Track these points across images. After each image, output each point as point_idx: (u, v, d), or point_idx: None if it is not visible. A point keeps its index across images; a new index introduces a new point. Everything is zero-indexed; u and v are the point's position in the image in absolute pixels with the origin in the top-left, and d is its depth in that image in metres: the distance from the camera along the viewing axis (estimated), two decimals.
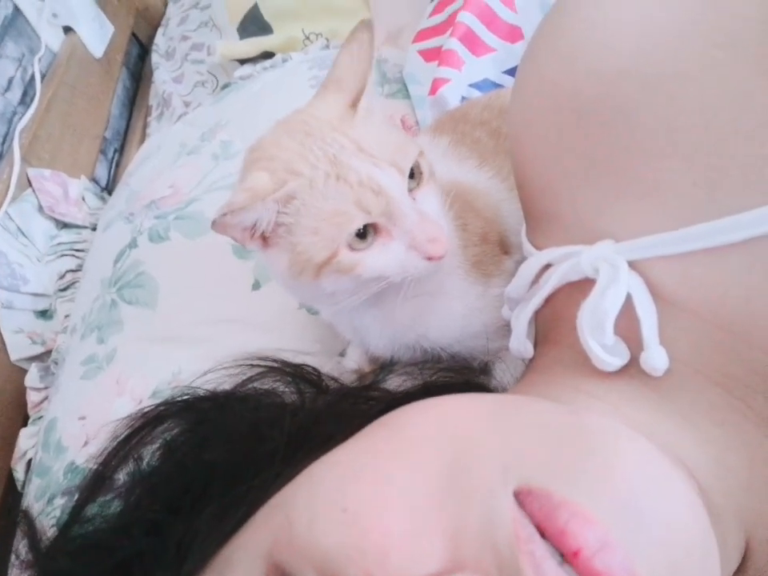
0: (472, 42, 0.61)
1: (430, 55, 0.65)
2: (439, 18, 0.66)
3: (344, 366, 0.55)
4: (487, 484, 0.24)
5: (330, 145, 0.35)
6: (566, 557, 0.21)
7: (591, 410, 0.29)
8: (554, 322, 0.34)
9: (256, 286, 0.56)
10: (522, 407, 0.29)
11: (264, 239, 0.37)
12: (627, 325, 0.28)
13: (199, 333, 0.55)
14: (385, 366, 0.55)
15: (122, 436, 0.41)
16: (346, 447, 0.30)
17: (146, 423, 0.41)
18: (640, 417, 0.29)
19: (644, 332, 0.28)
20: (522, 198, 0.36)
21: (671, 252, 0.27)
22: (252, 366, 0.45)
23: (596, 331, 0.29)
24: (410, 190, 0.36)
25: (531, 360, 0.37)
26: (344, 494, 0.25)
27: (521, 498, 0.23)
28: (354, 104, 0.38)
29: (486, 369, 0.50)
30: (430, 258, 0.36)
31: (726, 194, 0.25)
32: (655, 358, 0.28)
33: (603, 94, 0.27)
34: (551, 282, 0.33)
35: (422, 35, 0.67)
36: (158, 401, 0.43)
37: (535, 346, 0.37)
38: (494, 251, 0.47)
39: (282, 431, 0.36)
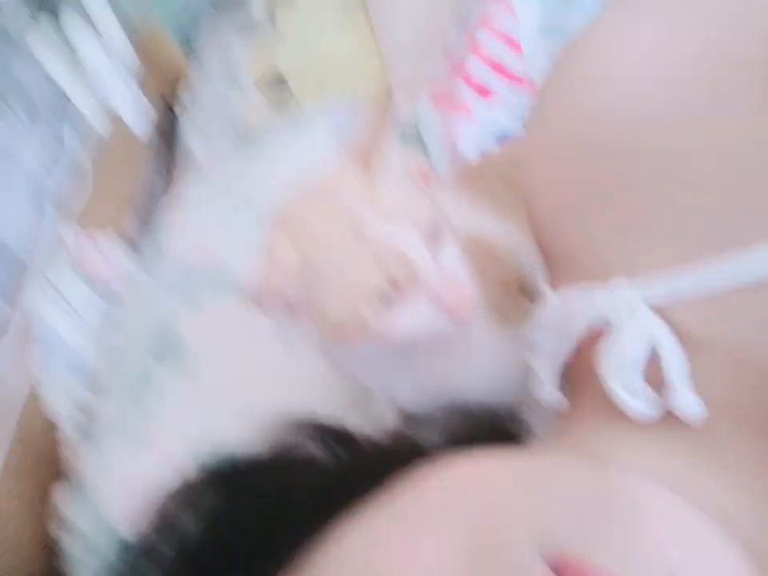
0: (482, 90, 0.63)
1: (443, 106, 0.67)
2: (451, 67, 0.67)
3: (378, 422, 0.55)
4: (518, 556, 0.23)
5: (347, 209, 0.36)
6: None
7: (624, 466, 0.29)
8: (580, 367, 0.34)
9: (290, 346, 0.57)
10: (548, 468, 0.29)
11: (292, 306, 0.38)
12: (654, 370, 0.28)
13: (233, 395, 0.56)
14: (418, 420, 0.55)
15: (165, 507, 0.41)
16: (371, 513, 0.29)
17: (182, 491, 0.42)
18: (678, 470, 0.28)
19: (673, 378, 0.27)
20: (538, 239, 0.37)
21: (696, 293, 0.26)
22: (287, 429, 0.46)
23: (621, 378, 0.28)
24: (429, 246, 0.37)
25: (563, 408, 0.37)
26: (368, 561, 0.26)
27: (555, 568, 0.23)
28: (369, 167, 0.39)
29: (516, 416, 0.49)
30: (453, 314, 0.37)
31: (748, 229, 0.25)
32: (690, 406, 0.27)
33: (607, 138, 0.28)
34: (574, 327, 0.32)
35: (435, 86, 0.69)
36: (194, 465, 0.43)
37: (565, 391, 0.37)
38: (515, 297, 0.47)
39: (311, 492, 0.36)
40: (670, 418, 0.28)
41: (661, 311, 0.28)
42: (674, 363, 0.27)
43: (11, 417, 0.63)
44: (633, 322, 0.28)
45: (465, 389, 0.46)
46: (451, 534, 0.25)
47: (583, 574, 0.23)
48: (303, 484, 0.38)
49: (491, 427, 0.46)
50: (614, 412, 0.30)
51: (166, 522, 0.40)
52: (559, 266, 0.35)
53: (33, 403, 0.67)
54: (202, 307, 0.61)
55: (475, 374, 0.46)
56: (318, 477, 0.39)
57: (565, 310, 0.34)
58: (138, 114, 1.05)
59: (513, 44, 0.61)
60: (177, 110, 1.18)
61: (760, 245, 0.24)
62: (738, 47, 0.25)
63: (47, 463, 0.66)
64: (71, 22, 0.96)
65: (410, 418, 0.54)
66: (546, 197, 0.34)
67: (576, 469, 0.29)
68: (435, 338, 0.38)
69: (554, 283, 0.36)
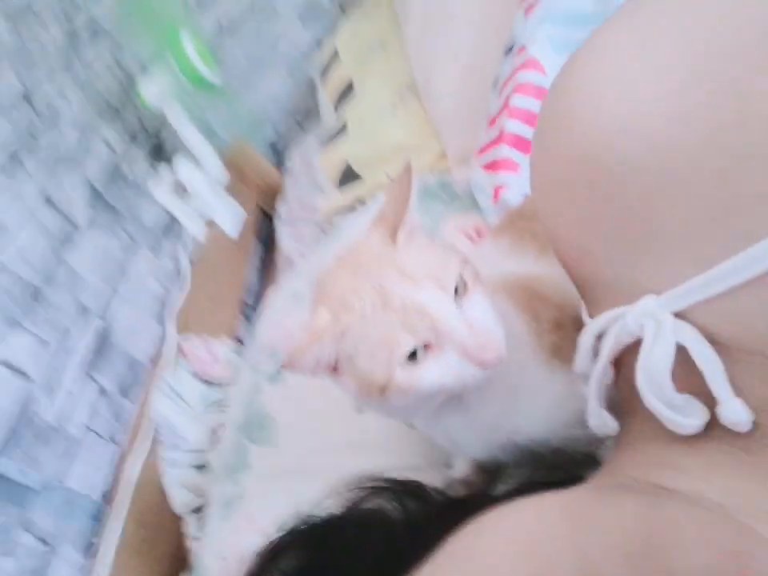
0: (522, 144, 0.64)
1: (490, 166, 0.69)
2: (493, 131, 0.70)
3: (451, 477, 0.55)
4: None
5: (376, 275, 0.39)
6: None
7: (673, 486, 0.28)
8: (627, 391, 0.33)
9: (360, 409, 0.60)
10: (595, 511, 0.28)
11: (333, 368, 0.41)
12: (695, 381, 0.27)
13: (315, 463, 0.59)
14: (494, 473, 0.54)
15: (252, 571, 0.44)
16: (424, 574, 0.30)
17: (270, 556, 0.44)
18: (733, 484, 0.27)
19: (710, 384, 0.26)
20: (567, 271, 0.36)
21: (712, 294, 0.26)
22: (361, 488, 0.47)
23: (657, 391, 0.28)
24: (457, 301, 0.38)
25: (618, 435, 0.35)
26: None
27: None
28: (394, 234, 0.42)
29: (592, 458, 0.47)
30: (483, 365, 0.37)
31: (749, 224, 0.24)
32: (733, 412, 0.26)
33: (608, 157, 0.28)
34: (605, 350, 0.32)
35: (483, 150, 0.72)
36: (278, 528, 0.46)
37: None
38: (571, 335, 0.46)
39: (383, 542, 0.37)
40: (722, 432, 0.27)
41: (687, 317, 0.27)
42: (708, 366, 0.26)
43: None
44: (659, 332, 0.27)
45: (525, 432, 0.45)
46: None
47: None
48: (375, 536, 0.39)
49: (558, 468, 0.45)
50: (660, 431, 0.29)
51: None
52: (592, 296, 0.34)
53: (147, 486, 0.74)
54: (284, 382, 0.66)
55: (533, 416, 0.45)
56: (389, 528, 0.40)
57: (596, 334, 0.33)
58: (235, 224, 1.18)
59: (544, 94, 0.63)
60: (274, 218, 1.32)
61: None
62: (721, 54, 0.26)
63: (161, 541, 0.72)
64: (179, 162, 1.13)
65: (481, 468, 0.53)
66: (562, 228, 0.34)
67: (621, 503, 0.28)
68: (463, 387, 0.39)
69: (592, 313, 0.35)
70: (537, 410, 0.45)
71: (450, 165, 0.86)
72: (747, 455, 0.27)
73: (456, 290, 0.38)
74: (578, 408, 0.44)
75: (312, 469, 0.57)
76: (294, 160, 1.39)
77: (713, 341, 0.26)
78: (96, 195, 0.95)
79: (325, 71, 1.25)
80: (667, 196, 0.26)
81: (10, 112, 0.87)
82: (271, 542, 0.45)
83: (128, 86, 1.20)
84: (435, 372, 0.37)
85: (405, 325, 0.36)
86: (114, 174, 1.02)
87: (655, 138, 0.26)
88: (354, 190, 0.97)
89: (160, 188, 1.11)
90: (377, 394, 0.39)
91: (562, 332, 0.46)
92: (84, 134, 1.00)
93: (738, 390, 0.26)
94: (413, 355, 0.37)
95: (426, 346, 0.38)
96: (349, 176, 1.00)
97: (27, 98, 0.92)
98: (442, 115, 0.86)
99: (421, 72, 0.91)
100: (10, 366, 0.67)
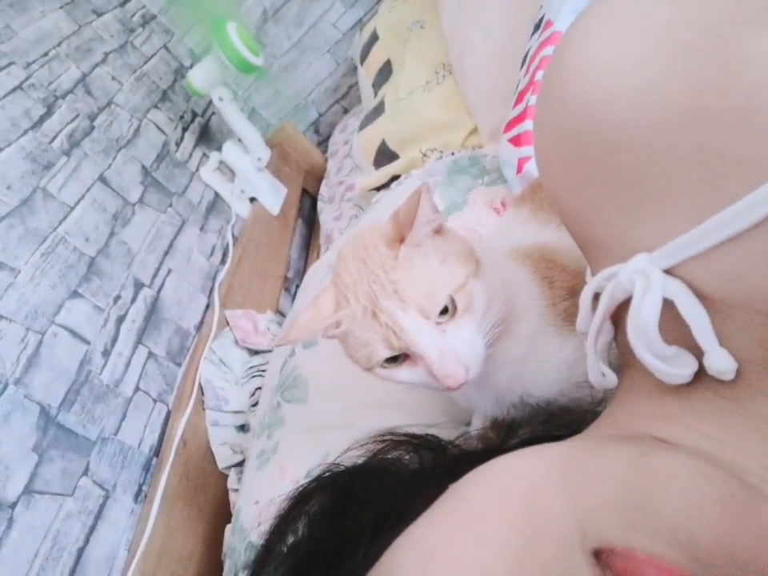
0: None
1: (517, 141, 0.70)
2: (520, 107, 0.71)
3: (469, 433, 0.57)
4: (564, 552, 0.24)
5: (374, 282, 0.41)
6: None
7: (667, 444, 0.29)
8: (624, 346, 0.34)
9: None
10: (590, 460, 0.29)
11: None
12: (683, 333, 0.28)
13: (342, 419, 0.62)
14: (508, 428, 0.56)
15: (282, 512, 0.48)
16: (424, 520, 0.31)
17: (298, 499, 0.48)
18: (720, 434, 0.28)
19: (696, 335, 0.27)
20: (571, 235, 0.38)
21: (699, 250, 0.27)
22: (383, 441, 0.50)
23: (647, 344, 0.29)
24: (442, 323, 0.41)
25: (616, 389, 0.37)
26: None
27: (603, 557, 0.24)
28: (400, 241, 0.43)
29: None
30: (446, 388, 0.41)
31: (732, 182, 0.25)
32: (718, 361, 0.27)
33: (598, 124, 0.29)
34: (601, 307, 0.33)
35: (510, 125, 0.73)
36: (309, 480, 0.50)
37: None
38: None
39: (399, 494, 0.40)
40: (711, 382, 0.28)
41: (674, 273, 0.28)
42: (694, 318, 0.27)
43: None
44: (648, 287, 0.29)
45: (536, 393, 0.47)
46: (498, 534, 0.26)
47: (630, 562, 0.23)
48: (392, 483, 0.42)
49: (567, 425, 0.46)
50: (653, 383, 0.30)
51: (283, 526, 0.47)
52: (594, 258, 0.36)
53: (192, 442, 0.80)
54: (316, 346, 0.70)
55: (545, 379, 0.47)
56: (405, 476, 0.43)
57: (594, 292, 0.35)
58: (277, 202, 1.23)
59: None
60: (317, 197, 1.36)
61: (749, 189, 0.24)
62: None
63: (205, 492, 0.78)
64: (225, 144, 1.18)
65: (496, 424, 0.55)
66: (562, 191, 0.35)
67: (614, 453, 0.29)
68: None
69: (594, 274, 0.37)
70: (549, 374, 0.47)
71: (482, 141, 0.87)
72: (732, 403, 0.28)
73: (447, 310, 0.41)
74: (586, 371, 0.46)
75: (339, 424, 0.61)
76: (336, 141, 1.42)
77: (701, 295, 0.27)
78: (147, 175, 1.01)
79: (364, 52, 1.27)
80: (655, 160, 0.27)
81: (70, 97, 0.93)
82: (300, 488, 0.49)
83: (177, 72, 1.26)
84: (410, 375, 0.42)
85: (385, 339, 0.40)
86: (164, 155, 1.09)
87: (641, 106, 0.27)
88: (389, 168, 0.99)
89: (207, 168, 1.17)
90: (369, 370, 0.42)
91: (575, 298, 0.47)
92: (136, 117, 1.06)
93: (724, 341, 0.27)
94: (392, 359, 0.41)
95: (404, 355, 0.41)
96: (385, 154, 1.02)
97: (85, 84, 0.98)
98: (475, 92, 0.87)
99: (455, 50, 0.92)
100: (71, 331, 0.74)
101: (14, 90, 0.84)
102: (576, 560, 0.24)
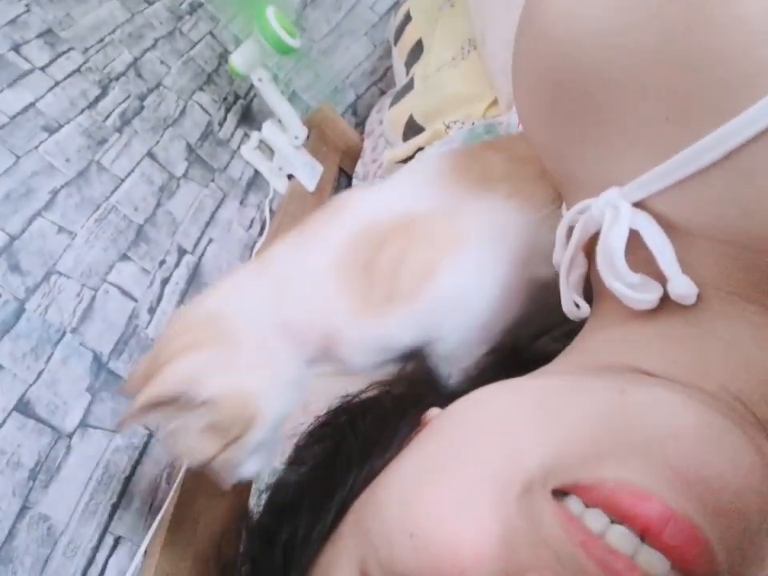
0: None
1: None
2: None
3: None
4: (528, 491, 0.25)
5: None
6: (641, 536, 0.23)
7: (642, 375, 0.29)
8: (597, 278, 0.35)
9: None
10: (568, 397, 0.30)
11: None
12: (649, 262, 0.29)
13: None
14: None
15: (299, 442, 0.49)
16: (405, 456, 0.32)
17: (312, 431, 0.49)
18: (685, 358, 0.30)
19: (661, 264, 0.28)
20: (548, 171, 0.39)
21: (666, 184, 0.28)
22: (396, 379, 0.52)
23: (614, 272, 0.30)
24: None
25: (589, 320, 0.38)
26: (407, 517, 0.27)
27: (576, 490, 0.24)
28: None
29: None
30: None
31: (697, 122, 0.27)
32: (680, 286, 0.28)
33: (573, 62, 0.30)
34: (573, 239, 0.34)
35: None
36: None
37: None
38: None
39: (384, 424, 0.40)
40: (675, 308, 0.29)
41: (643, 205, 0.30)
42: (658, 247, 0.29)
43: None
44: (616, 218, 0.30)
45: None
46: (474, 470, 0.27)
47: (602, 491, 0.23)
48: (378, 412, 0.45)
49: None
50: (622, 310, 0.31)
51: (299, 452, 0.48)
52: (569, 194, 0.37)
53: None
54: None
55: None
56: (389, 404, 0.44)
57: (567, 226, 0.36)
58: (313, 179, 1.29)
59: None
60: (353, 177, 1.41)
61: (714, 127, 0.25)
62: None
63: None
64: (265, 124, 1.25)
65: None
66: (538, 128, 0.36)
67: (593, 390, 0.30)
68: None
69: (569, 207, 0.36)
70: None
71: (500, 111, 0.90)
72: (694, 328, 0.29)
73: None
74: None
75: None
76: (372, 120, 1.46)
77: (668, 226, 0.29)
78: (191, 151, 1.09)
79: (398, 33, 1.31)
80: (626, 100, 0.29)
81: (122, 79, 1.02)
82: (316, 421, 0.50)
83: (221, 56, 1.33)
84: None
85: None
86: (208, 133, 1.16)
87: (612, 48, 0.28)
88: (415, 141, 1.03)
89: (247, 146, 1.24)
90: None
91: None
92: (182, 98, 1.14)
93: (686, 268, 0.28)
94: None
95: None
96: (412, 128, 1.06)
97: (136, 67, 1.07)
98: (495, 64, 0.90)
99: (478, 24, 0.95)
100: (120, 289, 0.82)
101: (72, 73, 0.92)
102: (537, 500, 0.24)
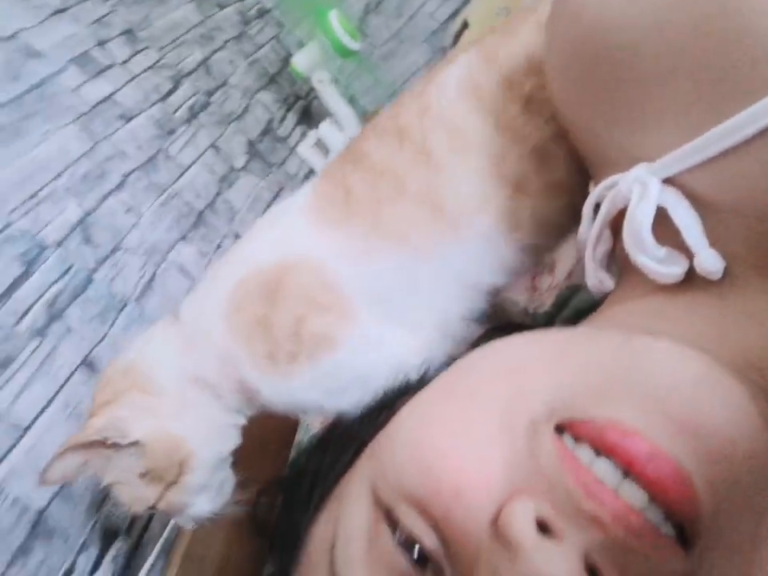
0: None
1: None
2: None
3: None
4: (531, 427, 0.26)
5: None
6: (626, 471, 0.24)
7: (654, 332, 0.30)
8: (623, 254, 0.35)
9: None
10: (574, 344, 0.31)
11: None
12: (676, 237, 0.29)
13: None
14: None
15: None
16: (427, 390, 0.33)
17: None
18: (709, 328, 0.30)
19: (687, 239, 0.29)
20: (576, 145, 0.39)
21: (696, 161, 0.28)
22: None
23: (641, 246, 0.31)
24: None
25: (613, 293, 0.38)
26: (419, 440, 0.29)
27: (569, 427, 0.25)
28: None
29: None
30: None
31: (729, 99, 0.27)
32: (706, 261, 0.29)
33: (607, 40, 0.31)
34: (600, 215, 0.35)
35: None
36: None
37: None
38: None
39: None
40: (701, 282, 0.30)
41: (672, 181, 0.30)
42: (685, 222, 0.29)
43: None
44: (644, 194, 0.30)
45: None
46: (485, 404, 0.28)
47: (594, 427, 0.24)
48: None
49: None
50: (647, 284, 0.32)
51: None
52: (597, 168, 0.37)
53: None
54: None
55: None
56: None
57: (594, 203, 0.36)
58: None
59: None
60: None
61: (747, 105, 0.26)
62: None
63: None
64: (324, 127, 1.30)
65: None
66: (571, 110, 0.36)
67: (602, 341, 0.30)
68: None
69: (597, 184, 0.36)
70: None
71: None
72: (718, 300, 0.30)
73: None
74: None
75: None
76: None
77: (696, 201, 0.29)
78: (252, 146, 1.15)
79: (455, 40, 1.34)
80: (660, 77, 0.29)
81: (193, 76, 1.09)
82: None
83: (285, 59, 1.40)
84: None
85: None
86: (268, 130, 1.22)
87: (644, 24, 0.29)
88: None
89: (305, 144, 1.30)
90: None
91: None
92: (246, 96, 1.21)
93: (714, 243, 0.29)
94: None
95: None
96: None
97: (206, 66, 1.14)
98: None
99: None
100: (179, 267, 0.88)
101: (148, 68, 1.00)
102: (540, 434, 0.25)
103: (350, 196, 0.44)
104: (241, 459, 0.50)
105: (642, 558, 0.22)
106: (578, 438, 0.25)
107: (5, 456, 0.52)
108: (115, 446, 0.43)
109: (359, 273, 0.44)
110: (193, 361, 0.46)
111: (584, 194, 0.42)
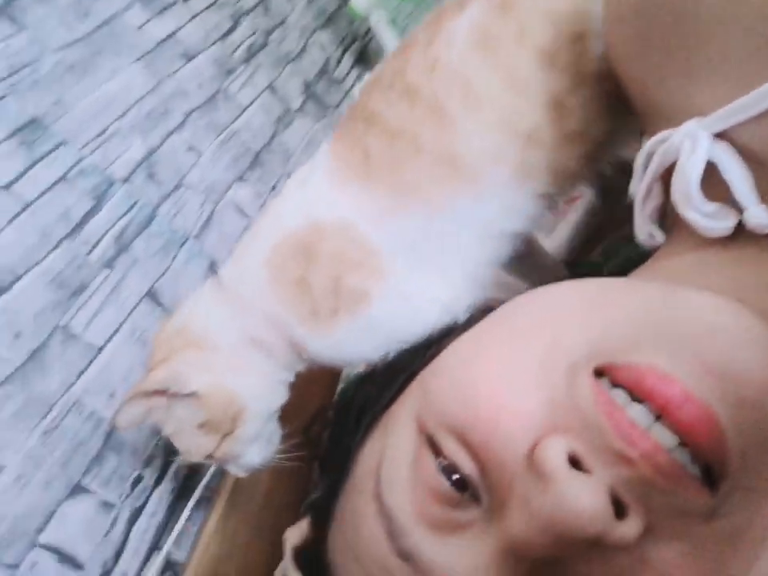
0: None
1: None
2: None
3: None
4: (570, 370, 0.27)
5: None
6: (659, 414, 0.24)
7: (698, 285, 0.30)
8: (672, 209, 0.35)
9: None
10: (616, 292, 0.31)
11: None
12: (726, 192, 0.29)
13: None
14: None
15: None
16: (471, 331, 0.35)
17: None
18: (758, 281, 0.30)
19: (737, 194, 0.29)
20: (631, 99, 0.39)
21: (749, 115, 0.29)
22: None
23: (689, 201, 0.31)
24: None
25: (663, 247, 0.39)
26: (464, 374, 0.30)
27: (609, 370, 0.26)
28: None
29: None
30: None
31: None
32: (756, 216, 0.29)
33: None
34: (651, 169, 0.35)
35: None
36: None
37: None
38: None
39: None
40: (751, 237, 0.30)
41: (724, 136, 0.30)
42: (735, 177, 0.29)
43: None
44: (694, 148, 0.30)
45: None
46: (528, 345, 0.29)
47: (633, 371, 0.25)
48: None
49: None
50: (696, 238, 0.32)
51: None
52: (651, 123, 0.37)
53: None
54: None
55: None
56: None
57: (646, 156, 0.36)
58: None
59: None
60: None
61: None
62: None
63: None
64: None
65: None
66: (627, 64, 0.36)
67: (640, 288, 0.31)
68: None
69: (650, 137, 0.36)
70: None
71: None
72: (766, 254, 0.30)
73: None
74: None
75: None
76: None
77: (749, 156, 0.29)
78: (308, 87, 1.15)
79: None
80: (719, 28, 0.29)
81: (252, 14, 1.09)
82: None
83: None
84: None
85: None
86: (324, 71, 1.22)
87: None
88: None
89: (360, 87, 1.28)
90: None
91: None
92: (303, 36, 1.20)
93: (764, 197, 0.29)
94: None
95: None
96: None
97: (264, 3, 1.13)
98: None
99: None
100: (236, 206, 0.90)
101: (209, 6, 1.00)
102: (580, 376, 0.26)
103: (368, 157, 0.45)
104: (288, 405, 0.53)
105: (667, 495, 0.24)
106: (614, 383, 0.26)
107: (82, 373, 0.57)
108: (175, 396, 0.47)
109: (386, 231, 0.46)
110: (242, 322, 0.49)
111: (598, 144, 0.43)
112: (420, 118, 0.44)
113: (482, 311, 0.41)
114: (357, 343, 0.48)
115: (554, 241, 0.69)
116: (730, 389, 0.24)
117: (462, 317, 0.44)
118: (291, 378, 0.52)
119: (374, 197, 0.45)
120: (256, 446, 0.50)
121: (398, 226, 0.46)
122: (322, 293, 0.46)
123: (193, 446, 0.48)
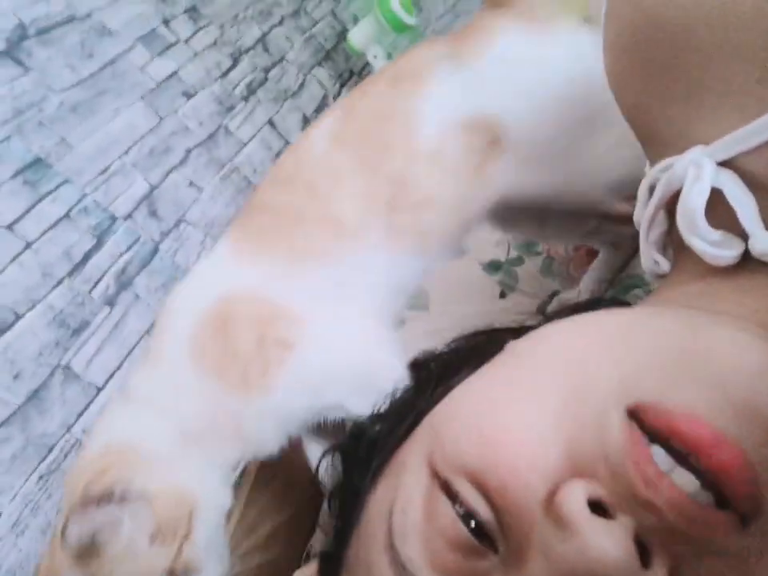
0: None
1: None
2: None
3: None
4: (602, 412, 0.26)
5: None
6: (687, 458, 0.24)
7: (710, 316, 0.30)
8: (678, 237, 0.35)
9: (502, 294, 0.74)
10: (636, 328, 0.30)
11: None
12: (732, 220, 0.30)
13: (456, 325, 0.72)
14: None
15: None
16: (484, 372, 0.33)
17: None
18: (764, 309, 0.30)
19: (742, 221, 0.29)
20: (632, 127, 0.39)
21: (753, 144, 0.29)
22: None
23: (694, 229, 0.31)
24: None
25: (668, 276, 0.39)
26: (481, 414, 0.29)
27: (635, 414, 0.25)
28: None
29: None
30: None
31: None
32: (762, 243, 0.29)
33: (668, 21, 0.31)
34: (655, 197, 0.35)
35: None
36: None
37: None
38: None
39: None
40: (757, 264, 0.30)
41: (727, 163, 0.30)
42: (741, 205, 0.29)
43: None
44: (698, 176, 0.30)
45: None
46: (546, 389, 0.28)
47: (662, 414, 0.24)
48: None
49: None
50: (702, 266, 0.32)
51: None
52: (653, 151, 0.37)
53: None
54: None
55: None
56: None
57: (650, 184, 0.36)
58: None
59: None
60: None
61: None
62: None
63: None
64: None
65: None
66: (628, 91, 0.37)
67: (665, 326, 0.30)
68: None
69: (652, 166, 0.37)
70: None
71: None
72: None
73: None
74: None
75: (451, 329, 0.71)
76: None
77: (753, 184, 0.29)
78: (307, 122, 1.16)
79: None
80: (719, 60, 0.30)
81: (251, 53, 1.11)
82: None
83: (341, 35, 1.40)
84: None
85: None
86: (323, 106, 1.23)
87: (705, 6, 0.29)
88: None
89: None
90: None
91: None
92: (302, 72, 1.22)
93: None
94: None
95: None
96: None
97: (263, 42, 1.15)
98: None
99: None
100: None
101: (210, 45, 1.02)
102: (611, 419, 0.25)
103: (261, 233, 0.51)
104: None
105: (693, 540, 0.23)
106: (644, 425, 0.25)
107: (81, 413, 0.56)
108: (122, 501, 0.43)
109: (292, 288, 0.49)
110: (170, 422, 0.47)
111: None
112: (300, 195, 0.50)
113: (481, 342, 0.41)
114: (295, 395, 0.48)
115: (581, 293, 0.70)
116: (758, 425, 0.24)
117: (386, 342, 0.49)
118: (235, 473, 0.51)
119: (273, 262, 0.49)
120: (212, 561, 0.46)
121: (302, 281, 0.49)
122: (249, 355, 0.47)
123: (149, 564, 0.44)
